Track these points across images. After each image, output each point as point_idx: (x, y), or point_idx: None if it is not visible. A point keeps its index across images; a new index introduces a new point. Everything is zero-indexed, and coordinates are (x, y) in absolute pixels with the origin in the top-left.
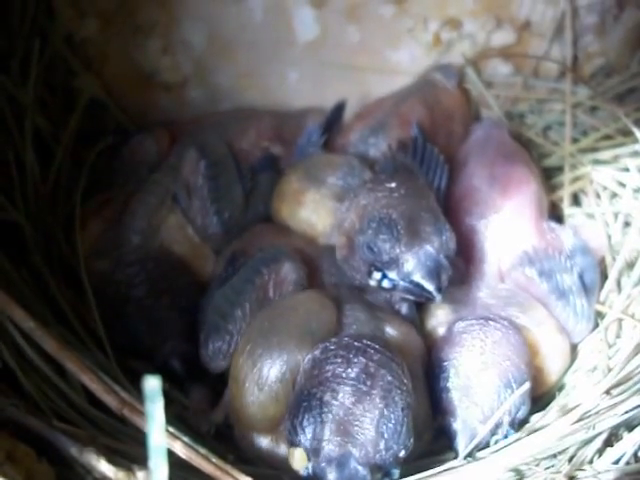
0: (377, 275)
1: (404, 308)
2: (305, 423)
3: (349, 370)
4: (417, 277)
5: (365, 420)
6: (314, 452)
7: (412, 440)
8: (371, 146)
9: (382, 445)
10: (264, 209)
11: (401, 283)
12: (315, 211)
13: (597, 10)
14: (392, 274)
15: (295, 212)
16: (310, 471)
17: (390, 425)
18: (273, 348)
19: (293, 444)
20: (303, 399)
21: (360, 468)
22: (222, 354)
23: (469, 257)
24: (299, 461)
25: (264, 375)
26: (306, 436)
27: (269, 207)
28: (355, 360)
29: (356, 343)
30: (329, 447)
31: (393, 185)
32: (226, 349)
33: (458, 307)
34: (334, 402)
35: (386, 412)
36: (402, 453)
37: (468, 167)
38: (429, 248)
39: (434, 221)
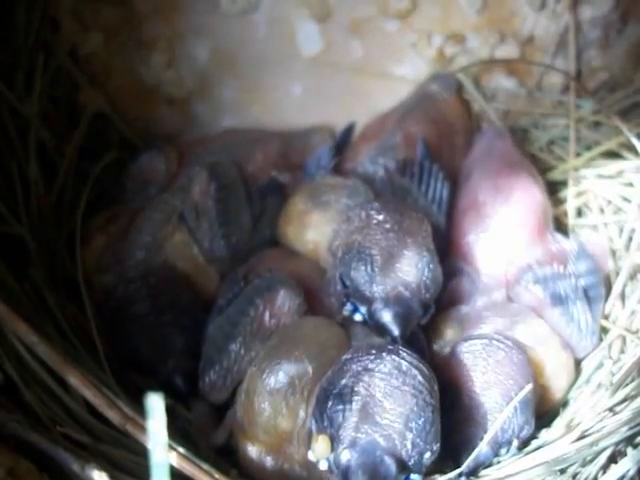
0: (349, 307)
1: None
2: (334, 409)
3: (381, 365)
4: (384, 318)
5: (395, 413)
6: (339, 439)
7: (438, 446)
8: (379, 166)
9: (409, 440)
10: (270, 234)
11: (369, 320)
12: (322, 232)
13: (601, 24)
14: (363, 309)
15: (301, 234)
16: (332, 461)
17: (419, 422)
18: (281, 357)
19: (318, 431)
20: (332, 389)
21: (386, 457)
22: (218, 388)
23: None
24: (322, 449)
25: (273, 385)
26: (333, 422)
27: (275, 231)
28: (387, 358)
29: (389, 346)
30: (356, 434)
31: (380, 218)
32: (222, 382)
33: (466, 326)
34: (364, 392)
35: (416, 409)
36: (427, 455)
37: (472, 179)
38: (403, 291)
39: (416, 262)
